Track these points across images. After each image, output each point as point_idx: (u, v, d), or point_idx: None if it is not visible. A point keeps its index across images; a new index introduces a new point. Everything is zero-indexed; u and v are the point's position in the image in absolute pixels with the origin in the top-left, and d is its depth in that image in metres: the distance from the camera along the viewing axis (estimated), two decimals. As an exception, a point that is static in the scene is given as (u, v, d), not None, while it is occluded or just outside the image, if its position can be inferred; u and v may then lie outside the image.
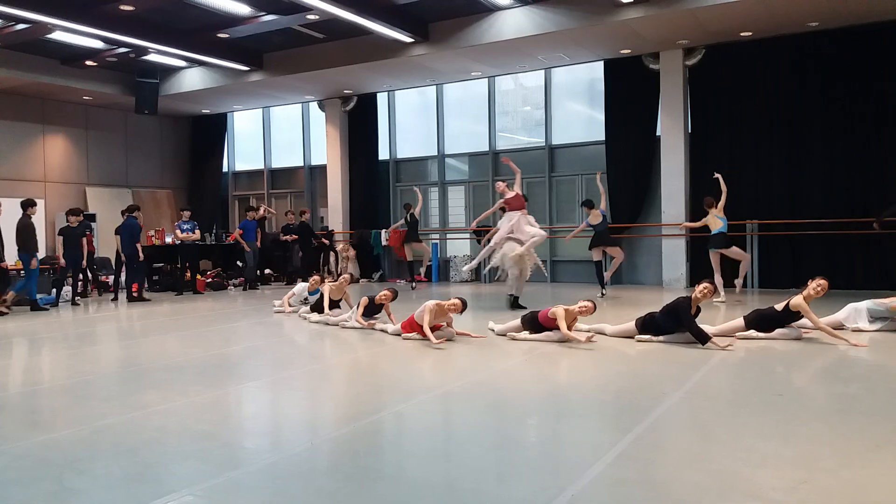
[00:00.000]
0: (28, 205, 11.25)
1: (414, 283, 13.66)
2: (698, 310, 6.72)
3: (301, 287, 10.68)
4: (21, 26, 11.67)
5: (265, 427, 4.57)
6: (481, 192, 15.33)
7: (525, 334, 7.12)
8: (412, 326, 7.30)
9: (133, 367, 6.41)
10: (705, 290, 6.64)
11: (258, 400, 5.30)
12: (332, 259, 15.55)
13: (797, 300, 6.66)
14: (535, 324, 7.06)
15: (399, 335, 7.44)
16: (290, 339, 7.97)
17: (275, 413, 4.98)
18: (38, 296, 12.02)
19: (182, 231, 13.70)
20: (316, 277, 10.34)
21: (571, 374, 5.76)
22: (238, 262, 15.23)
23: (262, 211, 15.42)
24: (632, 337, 6.96)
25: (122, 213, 12.96)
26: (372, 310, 8.21)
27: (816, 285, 6.71)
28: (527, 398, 4.94)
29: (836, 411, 4.37)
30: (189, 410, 4.70)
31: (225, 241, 16.26)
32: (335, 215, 16.52)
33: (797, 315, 6.76)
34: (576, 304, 6.93)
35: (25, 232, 11.09)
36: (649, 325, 6.88)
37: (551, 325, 6.94)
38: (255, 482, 3.36)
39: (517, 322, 7.25)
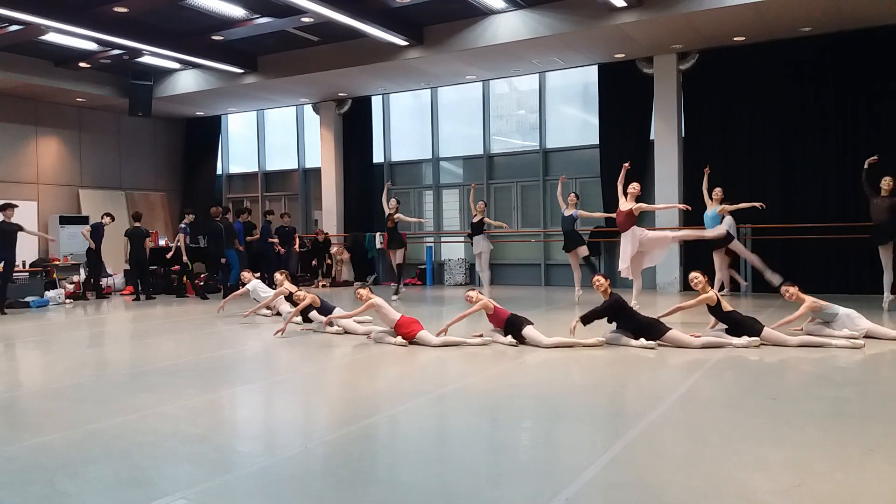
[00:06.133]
0: (225, 211, 14.21)
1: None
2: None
3: (257, 284, 10.42)
4: (14, 28, 11.62)
5: (258, 431, 4.55)
6: (476, 196, 15.30)
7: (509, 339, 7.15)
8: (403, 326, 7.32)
9: (126, 369, 6.38)
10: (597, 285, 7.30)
11: (251, 403, 5.29)
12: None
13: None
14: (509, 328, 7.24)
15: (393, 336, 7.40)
16: (283, 343, 7.94)
17: (268, 417, 4.97)
18: (31, 298, 12.03)
19: (187, 234, 13.80)
20: (279, 277, 9.89)
21: (565, 378, 5.76)
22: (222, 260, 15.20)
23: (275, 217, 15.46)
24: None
25: (128, 230, 13.49)
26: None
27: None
28: (521, 402, 4.94)
29: (829, 415, 4.38)
30: (182, 414, 4.68)
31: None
32: (329, 218, 16.50)
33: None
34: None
35: (228, 232, 13.36)
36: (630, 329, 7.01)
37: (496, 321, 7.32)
38: (249, 486, 3.35)
39: (532, 332, 7.15)
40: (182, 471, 3.58)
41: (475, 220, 12.13)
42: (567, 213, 11.02)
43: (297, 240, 15.66)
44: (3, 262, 11.05)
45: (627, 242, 9.35)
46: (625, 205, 9.40)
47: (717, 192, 10.53)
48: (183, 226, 13.98)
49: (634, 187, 9.52)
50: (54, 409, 4.95)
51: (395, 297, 11.77)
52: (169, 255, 13.83)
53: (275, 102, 16.85)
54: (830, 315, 7.06)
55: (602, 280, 7.28)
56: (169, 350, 7.53)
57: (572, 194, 11.25)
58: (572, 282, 13.81)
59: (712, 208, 10.49)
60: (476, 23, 11.93)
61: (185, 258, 13.68)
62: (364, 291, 7.77)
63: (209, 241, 13.40)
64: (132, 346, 8.11)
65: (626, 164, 9.79)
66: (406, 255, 12.54)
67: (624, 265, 9.42)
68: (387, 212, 12.23)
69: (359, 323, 8.32)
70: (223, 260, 12.94)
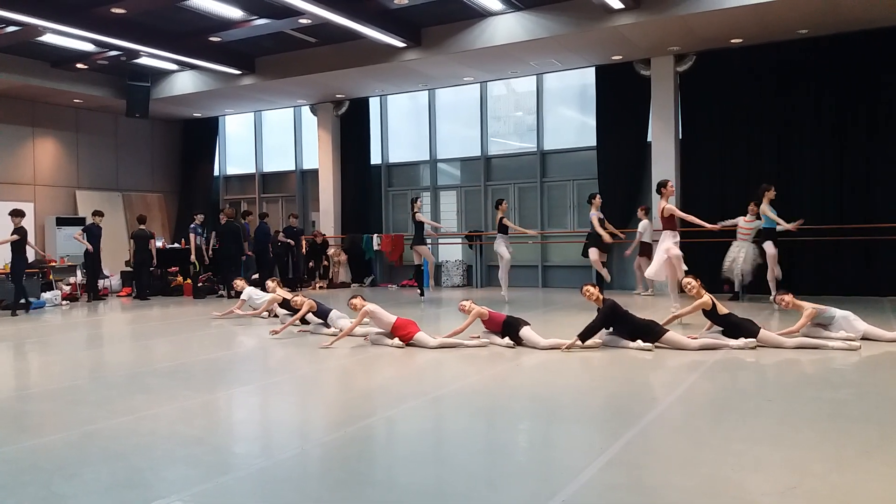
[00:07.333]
0: (245, 214, 14.99)
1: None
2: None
3: (252, 292, 10.22)
4: (11, 28, 11.61)
5: (255, 432, 4.55)
6: (473, 197, 15.34)
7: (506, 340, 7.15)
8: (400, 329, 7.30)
9: (123, 371, 6.37)
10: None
11: (248, 405, 5.28)
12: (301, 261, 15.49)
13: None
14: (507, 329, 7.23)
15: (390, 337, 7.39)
16: (280, 345, 7.93)
17: (265, 418, 4.96)
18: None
19: (199, 235, 13.88)
20: (271, 284, 9.88)
21: (562, 379, 5.76)
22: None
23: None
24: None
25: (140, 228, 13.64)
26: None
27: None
28: (518, 403, 4.93)
29: (826, 417, 4.39)
30: (178, 415, 4.68)
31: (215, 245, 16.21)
32: (327, 219, 16.49)
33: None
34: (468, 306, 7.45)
35: (245, 234, 14.05)
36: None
37: (492, 326, 7.32)
38: (245, 487, 3.35)
39: (529, 332, 7.15)
40: (178, 472, 3.58)
41: (506, 221, 11.75)
42: (595, 214, 10.93)
43: (304, 242, 15.67)
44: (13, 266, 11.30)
45: (663, 244, 8.88)
46: (661, 202, 9.08)
47: (771, 192, 10.13)
48: (193, 226, 14.01)
49: (671, 187, 9.11)
50: (51, 410, 4.94)
51: (423, 299, 12.09)
52: (193, 258, 14.02)
53: (272, 104, 16.85)
54: (828, 318, 7.07)
55: (592, 289, 7.16)
56: (165, 351, 7.52)
57: (597, 196, 11.23)
58: (570, 284, 13.85)
59: (773, 215, 10.20)
60: (473, 25, 11.94)
61: (193, 258, 13.87)
62: (356, 301, 7.66)
63: (227, 242, 13.40)
64: (129, 347, 8.09)
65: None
66: (402, 257, 12.53)
67: (654, 269, 9.06)
68: (415, 210, 12.20)
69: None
70: (251, 254, 13.48)
